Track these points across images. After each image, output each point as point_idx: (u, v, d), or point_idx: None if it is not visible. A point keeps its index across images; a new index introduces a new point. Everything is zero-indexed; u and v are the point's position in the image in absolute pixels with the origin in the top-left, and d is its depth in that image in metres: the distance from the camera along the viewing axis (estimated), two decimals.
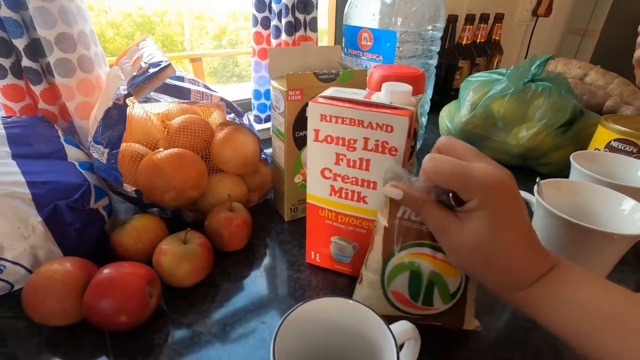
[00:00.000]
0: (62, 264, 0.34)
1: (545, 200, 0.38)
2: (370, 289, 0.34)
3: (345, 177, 0.36)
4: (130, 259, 0.40)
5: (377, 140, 0.33)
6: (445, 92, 1.03)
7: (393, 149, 0.33)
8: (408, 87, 0.34)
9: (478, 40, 1.04)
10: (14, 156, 0.38)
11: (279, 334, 0.24)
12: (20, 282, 0.37)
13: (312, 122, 0.35)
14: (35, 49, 0.46)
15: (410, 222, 0.31)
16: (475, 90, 0.70)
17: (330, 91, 0.36)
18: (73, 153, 0.44)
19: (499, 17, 1.05)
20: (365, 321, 0.26)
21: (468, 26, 0.99)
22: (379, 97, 0.34)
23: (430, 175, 0.27)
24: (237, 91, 0.89)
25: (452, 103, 0.79)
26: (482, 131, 0.68)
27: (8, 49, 0.44)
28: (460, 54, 1.01)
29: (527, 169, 0.68)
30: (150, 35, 0.50)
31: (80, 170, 0.41)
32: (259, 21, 0.66)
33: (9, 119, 0.43)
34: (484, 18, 1.01)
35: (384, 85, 0.34)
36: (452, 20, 0.98)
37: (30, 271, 0.36)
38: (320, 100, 0.34)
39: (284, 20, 0.63)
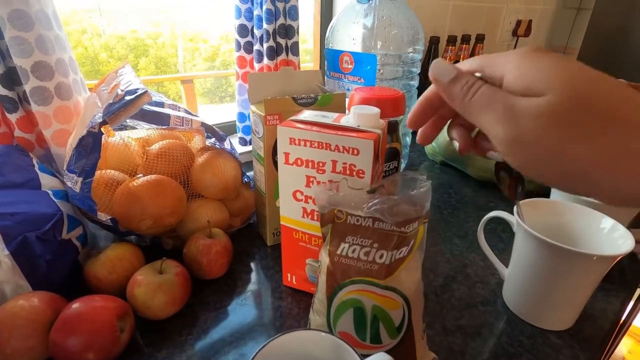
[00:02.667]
0: (28, 299, 0.33)
1: (525, 220, 0.38)
2: None
3: None
4: (104, 290, 0.39)
5: (344, 163, 0.33)
6: None
7: (360, 171, 0.33)
8: (375, 110, 0.34)
9: (461, 60, 1.06)
10: None
11: None
12: None
13: (282, 146, 0.35)
14: (11, 77, 0.45)
15: (349, 258, 0.31)
16: None
17: (303, 115, 0.36)
18: (47, 181, 0.43)
19: (480, 38, 1.08)
20: (338, 353, 0.25)
21: (450, 47, 1.02)
22: (347, 120, 0.34)
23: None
24: (230, 111, 0.90)
25: None
26: None
27: None
28: None
29: None
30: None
31: (54, 199, 0.40)
32: (242, 46, 0.66)
33: None
34: (466, 39, 1.04)
35: (352, 109, 0.34)
36: (434, 41, 1.01)
37: None
38: (290, 124, 0.34)
39: (265, 45, 0.64)
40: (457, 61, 1.05)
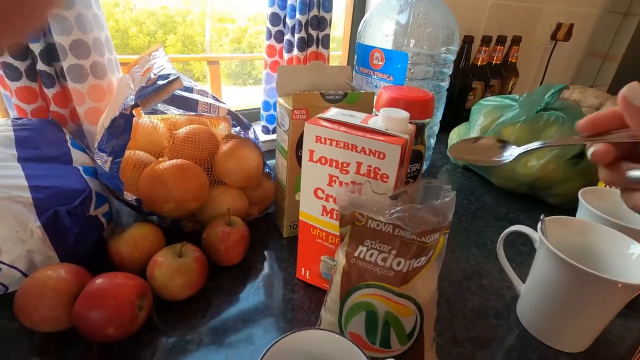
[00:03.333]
0: (56, 270, 0.35)
1: (549, 237, 0.37)
2: None
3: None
4: (126, 267, 0.40)
5: (369, 166, 0.33)
6: (457, 113, 1.02)
7: (385, 175, 0.32)
8: (404, 114, 0.33)
9: (493, 62, 1.03)
10: (20, 159, 0.39)
11: None
12: (15, 285, 0.37)
13: (308, 143, 0.35)
14: (50, 54, 0.47)
15: (366, 262, 0.30)
16: (486, 114, 0.69)
17: (331, 112, 0.36)
18: (78, 157, 0.44)
19: (517, 40, 1.04)
20: (349, 355, 0.26)
21: (484, 47, 0.99)
22: (375, 122, 0.34)
23: None
24: (253, 94, 0.90)
25: (462, 125, 0.78)
26: None
27: (24, 53, 0.45)
28: (475, 75, 1.00)
29: (536, 198, 0.67)
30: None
31: (84, 175, 0.42)
32: (273, 34, 0.66)
33: (19, 122, 0.44)
34: (501, 40, 1.00)
35: (381, 111, 0.34)
36: (467, 41, 0.97)
37: (25, 275, 0.37)
38: (317, 121, 0.34)
39: (297, 36, 0.63)
40: (490, 63, 1.02)
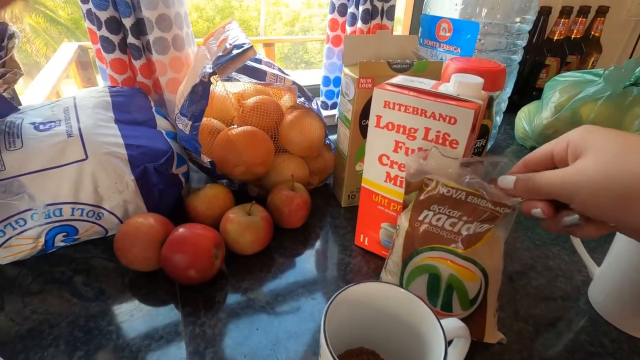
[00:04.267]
0: (146, 218, 0.39)
1: None
2: None
3: (403, 165, 0.36)
4: (200, 222, 0.44)
5: (438, 132, 0.32)
6: (526, 92, 0.95)
7: (454, 141, 0.32)
8: (478, 80, 0.32)
9: (573, 36, 0.93)
10: (116, 121, 0.44)
11: (330, 309, 0.25)
12: (113, 229, 0.43)
13: (376, 108, 0.35)
14: (139, 28, 0.51)
15: (432, 226, 0.31)
16: (562, 90, 0.64)
17: (399, 79, 0.36)
18: (161, 123, 0.49)
19: (603, 11, 0.93)
20: (415, 312, 0.27)
21: (563, 20, 0.90)
22: (447, 88, 0.33)
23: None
24: (305, 77, 0.91)
25: (533, 103, 0.73)
26: None
27: (118, 27, 0.51)
28: (549, 51, 0.92)
29: None
30: (233, 17, 0.53)
31: (167, 138, 0.46)
32: (336, 8, 0.66)
33: (114, 89, 0.50)
34: (584, 11, 0.91)
35: (453, 76, 0.33)
36: (544, 12, 0.89)
37: (121, 221, 0.42)
38: (386, 87, 0.34)
39: (361, 8, 0.63)
40: (568, 37, 0.93)
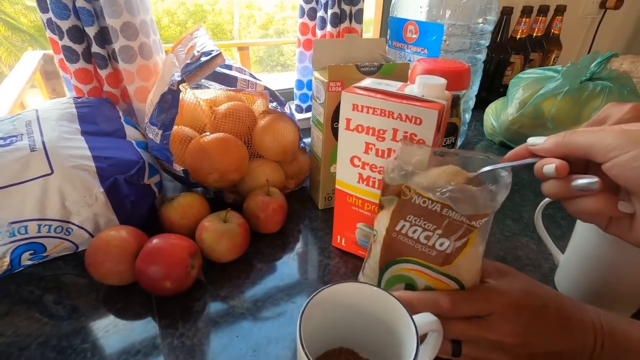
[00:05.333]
0: (118, 231, 0.38)
1: None
2: None
3: (374, 166, 0.37)
4: (175, 232, 0.44)
5: (405, 132, 0.33)
6: (493, 89, 0.98)
7: (421, 141, 0.33)
8: (441, 81, 0.34)
9: (534, 34, 0.98)
10: (83, 133, 0.43)
11: (305, 311, 0.26)
12: (84, 244, 0.42)
13: (345, 111, 0.36)
14: (103, 37, 0.50)
15: (408, 237, 0.30)
16: (525, 87, 0.67)
17: (366, 82, 0.37)
18: (131, 133, 0.48)
19: (561, 10, 0.98)
20: (388, 308, 0.27)
21: (524, 19, 0.94)
22: (412, 89, 0.34)
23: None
24: (281, 80, 0.92)
25: (499, 100, 0.75)
26: (529, 131, 0.65)
27: (81, 36, 0.49)
28: (513, 49, 0.95)
29: None
30: (202, 23, 0.53)
31: (137, 148, 0.46)
32: (306, 12, 0.67)
33: (79, 100, 0.48)
34: (543, 10, 0.95)
35: (418, 78, 0.34)
36: (506, 12, 0.93)
37: (92, 235, 0.41)
38: (354, 90, 0.35)
39: (329, 12, 0.64)
40: (530, 35, 0.97)
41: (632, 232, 0.23)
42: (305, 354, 0.22)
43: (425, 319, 0.27)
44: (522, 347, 0.27)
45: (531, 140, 0.26)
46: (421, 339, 0.27)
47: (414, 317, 0.26)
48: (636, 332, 0.27)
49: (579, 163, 0.25)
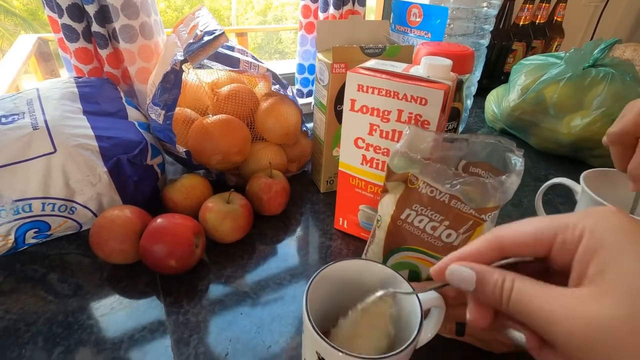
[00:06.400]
0: (122, 210, 0.39)
1: (591, 190, 0.37)
2: None
3: (378, 147, 0.37)
4: (178, 213, 0.44)
5: (410, 113, 0.33)
6: (495, 76, 0.98)
7: (426, 122, 0.33)
8: (447, 62, 0.34)
9: (537, 21, 0.97)
10: (85, 112, 0.43)
11: (311, 287, 0.26)
12: (88, 223, 0.42)
13: (349, 92, 0.36)
14: (104, 15, 0.49)
15: (413, 227, 0.29)
16: (528, 73, 0.67)
17: (371, 63, 0.37)
18: (133, 114, 0.48)
19: None
20: (393, 285, 0.28)
21: (528, 5, 0.93)
22: (417, 70, 0.34)
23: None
24: (280, 67, 0.91)
25: (500, 87, 0.75)
26: (531, 117, 0.65)
27: (81, 14, 0.48)
28: (516, 36, 0.95)
29: (577, 160, 0.65)
30: (202, 4, 0.52)
31: (139, 129, 0.45)
32: None
33: (80, 79, 0.48)
34: None
35: (423, 59, 0.34)
36: None
37: (95, 214, 0.41)
38: (359, 70, 0.35)
39: None
40: (533, 22, 0.96)
41: None
42: (312, 325, 0.23)
43: (428, 294, 0.27)
44: None
45: (453, 272, 0.20)
46: (425, 314, 0.27)
47: (418, 294, 0.26)
48: None
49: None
